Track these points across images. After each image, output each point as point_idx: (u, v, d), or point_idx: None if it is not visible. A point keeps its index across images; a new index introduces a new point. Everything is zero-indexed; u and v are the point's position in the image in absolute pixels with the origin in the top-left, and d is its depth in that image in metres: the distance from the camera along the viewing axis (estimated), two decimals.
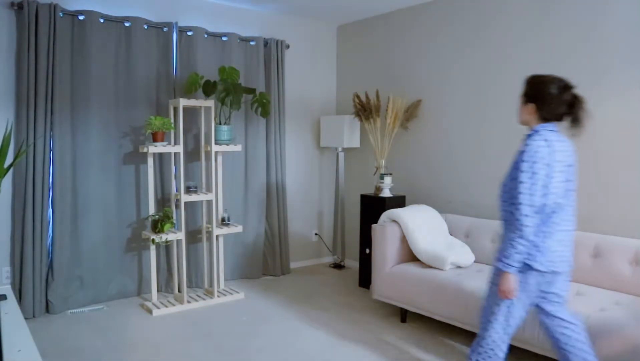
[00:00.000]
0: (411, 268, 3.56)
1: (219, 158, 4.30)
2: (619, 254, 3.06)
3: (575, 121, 2.28)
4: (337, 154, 5.16)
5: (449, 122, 4.32)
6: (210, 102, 4.02)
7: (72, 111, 3.87)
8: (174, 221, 4.08)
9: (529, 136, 2.29)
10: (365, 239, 4.55)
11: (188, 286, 4.45)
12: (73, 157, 3.89)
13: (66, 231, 3.84)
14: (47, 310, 3.79)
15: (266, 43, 4.80)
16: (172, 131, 4.12)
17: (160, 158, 4.28)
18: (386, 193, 4.44)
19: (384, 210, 4.30)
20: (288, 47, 5.00)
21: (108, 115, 4.02)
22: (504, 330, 2.36)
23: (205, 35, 4.42)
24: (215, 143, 4.11)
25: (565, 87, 2.28)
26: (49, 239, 3.81)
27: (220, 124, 4.22)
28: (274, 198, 4.86)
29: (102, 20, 3.94)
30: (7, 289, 2.21)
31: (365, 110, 4.70)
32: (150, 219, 3.99)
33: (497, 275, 2.32)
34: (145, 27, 4.14)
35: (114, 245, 4.10)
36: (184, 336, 3.41)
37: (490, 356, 2.39)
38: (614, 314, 2.62)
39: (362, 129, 5.10)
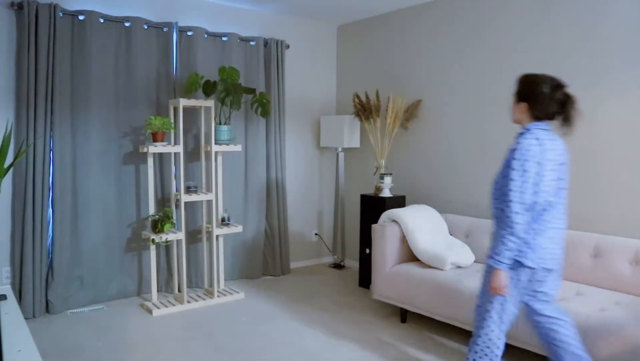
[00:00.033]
0: (411, 268, 3.56)
1: (219, 158, 4.30)
2: (619, 254, 3.06)
3: (566, 120, 2.31)
4: (337, 154, 5.16)
5: (449, 122, 4.32)
6: (210, 102, 4.02)
7: (72, 111, 3.87)
8: (174, 221, 4.08)
9: (520, 134, 2.31)
10: (365, 239, 4.55)
11: (188, 286, 4.45)
12: (73, 157, 3.89)
13: (66, 231, 3.84)
14: (47, 310, 3.79)
15: (266, 43, 4.80)
16: (172, 131, 4.12)
17: (160, 158, 4.28)
18: (386, 193, 4.44)
19: (384, 210, 4.30)
20: (288, 47, 5.00)
21: (108, 115, 4.02)
22: (499, 327, 2.39)
23: (205, 35, 4.42)
24: (215, 143, 4.11)
25: (557, 86, 2.30)
26: (49, 239, 3.81)
27: (220, 124, 4.22)
28: (274, 198, 4.86)
29: (102, 20, 3.94)
30: (7, 289, 2.21)
31: (365, 110, 4.70)
32: (150, 219, 3.99)
33: (489, 273, 2.34)
34: (145, 27, 4.14)
35: (114, 245, 4.10)
36: (184, 336, 3.41)
37: (487, 354, 2.41)
38: (614, 314, 2.62)
39: (362, 129, 5.10)
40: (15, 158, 2.58)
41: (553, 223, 2.30)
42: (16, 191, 3.69)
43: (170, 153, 4.14)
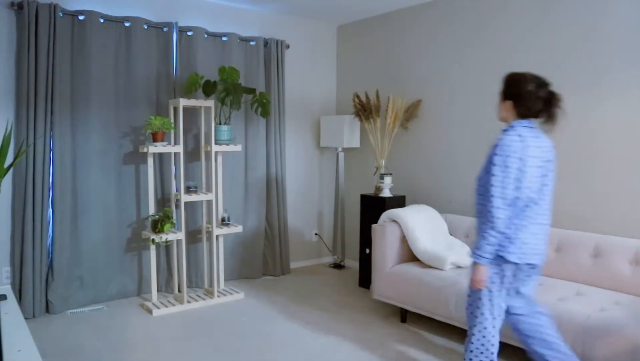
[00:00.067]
0: (411, 268, 3.56)
1: (219, 158, 4.30)
2: (619, 254, 3.06)
3: (550, 118, 2.35)
4: (337, 154, 5.16)
5: (449, 122, 4.32)
6: (210, 102, 4.02)
7: (72, 111, 3.87)
8: (174, 221, 4.08)
9: (504, 131, 2.34)
10: (365, 239, 4.55)
11: (188, 286, 4.45)
12: (73, 157, 3.89)
13: (66, 231, 3.84)
14: (47, 310, 3.79)
15: (266, 43, 4.80)
16: (172, 131, 4.12)
17: (160, 158, 4.28)
18: (386, 193, 4.44)
19: (384, 210, 4.30)
20: (288, 47, 5.00)
21: (108, 115, 4.02)
22: (492, 324, 2.41)
23: (205, 35, 4.42)
24: (215, 143, 4.11)
25: (542, 84, 2.33)
26: (49, 239, 3.81)
27: (220, 124, 4.22)
28: (274, 198, 4.86)
29: (102, 20, 3.94)
30: (7, 289, 2.21)
31: (365, 110, 4.70)
32: (150, 219, 3.99)
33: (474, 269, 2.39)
34: (145, 27, 4.14)
35: (114, 245, 4.10)
36: (184, 336, 3.41)
37: (483, 352, 2.43)
38: (614, 314, 2.62)
39: (362, 129, 5.10)
40: (15, 158, 2.58)
41: (536, 218, 2.33)
42: (16, 191, 3.69)
43: (170, 153, 4.14)
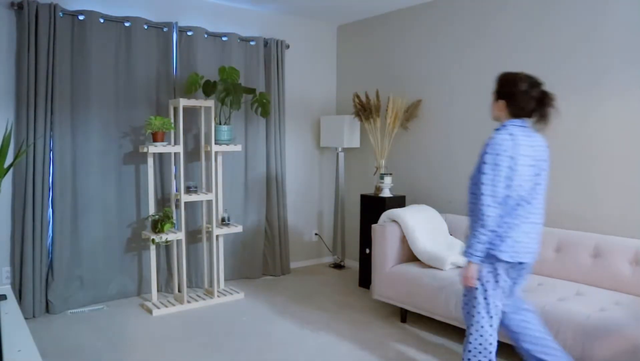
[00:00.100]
0: (411, 268, 3.56)
1: (219, 158, 4.30)
2: (619, 254, 3.06)
3: (542, 117, 2.36)
4: (337, 154, 5.16)
5: (449, 122, 4.32)
6: (210, 102, 4.02)
7: (72, 111, 3.87)
8: (174, 221, 4.08)
9: (496, 130, 2.36)
10: (365, 239, 4.55)
11: (188, 286, 4.45)
12: (73, 157, 3.89)
13: (66, 231, 3.84)
14: (47, 310, 3.79)
15: (266, 43, 4.80)
16: (172, 131, 4.12)
17: (160, 158, 4.28)
18: (386, 193, 4.44)
19: (384, 210, 4.30)
20: (288, 47, 5.00)
21: (108, 115, 4.02)
22: (488, 323, 2.42)
23: (205, 35, 4.42)
24: (215, 143, 4.11)
25: (534, 84, 2.35)
26: (49, 239, 3.81)
27: (220, 124, 4.22)
28: (274, 198, 4.86)
29: (102, 20, 3.94)
30: (7, 289, 2.21)
31: (365, 110, 4.70)
32: (150, 219, 3.99)
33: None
34: (145, 27, 4.14)
35: (114, 245, 4.10)
36: (184, 336, 3.41)
37: (481, 351, 2.44)
38: (614, 314, 2.62)
39: (362, 129, 5.10)
40: (15, 158, 2.58)
41: (529, 217, 2.35)
42: (16, 191, 3.69)
43: (170, 153, 4.14)
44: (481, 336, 2.43)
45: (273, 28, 4.94)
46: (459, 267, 3.52)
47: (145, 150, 3.79)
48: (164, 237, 3.87)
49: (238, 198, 4.70)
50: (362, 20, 5.15)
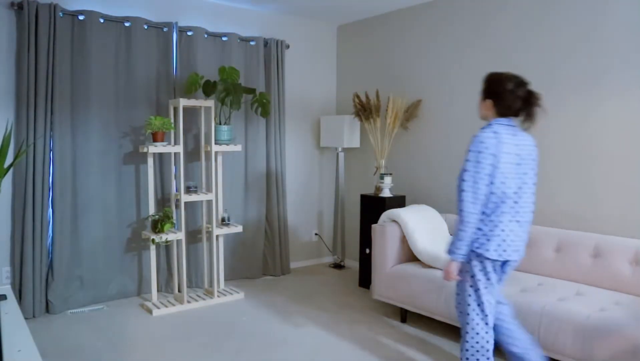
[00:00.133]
0: (411, 268, 3.56)
1: (219, 158, 4.30)
2: (619, 254, 3.06)
3: (528, 116, 2.39)
4: (337, 154, 5.16)
5: (449, 122, 4.32)
6: (210, 102, 4.02)
7: (72, 111, 3.87)
8: (174, 221, 4.08)
9: (481, 128, 2.39)
10: (365, 239, 4.55)
11: (188, 286, 4.45)
12: (73, 157, 3.89)
13: (66, 231, 3.84)
14: (47, 310, 3.79)
15: (266, 43, 4.80)
16: (172, 131, 4.12)
17: (160, 158, 4.28)
18: (386, 193, 4.44)
19: (384, 210, 4.30)
20: (288, 47, 5.00)
21: (108, 115, 4.02)
22: (483, 320, 2.44)
23: (205, 35, 4.42)
24: (215, 143, 4.11)
25: (520, 83, 2.38)
26: (49, 239, 3.81)
27: (220, 124, 4.22)
28: (274, 198, 4.86)
29: (102, 20, 3.94)
30: (7, 289, 2.21)
31: (365, 110, 4.70)
32: (150, 219, 3.99)
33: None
34: (145, 27, 4.14)
35: (114, 245, 4.10)
36: (184, 336, 3.41)
37: (478, 350, 2.45)
38: (614, 314, 2.62)
39: (362, 129, 5.10)
40: (15, 158, 2.58)
41: (515, 216, 2.37)
42: (16, 191, 3.69)
43: (170, 153, 4.14)
44: (477, 334, 2.44)
45: (273, 28, 4.94)
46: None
47: (145, 150, 3.79)
48: (164, 237, 3.87)
49: (238, 198, 4.70)
50: (362, 20, 5.15)
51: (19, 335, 1.69)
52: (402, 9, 4.72)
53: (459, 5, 4.22)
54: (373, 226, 3.80)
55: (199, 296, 4.17)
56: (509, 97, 2.36)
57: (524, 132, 2.43)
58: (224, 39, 4.54)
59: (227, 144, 4.16)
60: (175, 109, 4.13)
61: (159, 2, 4.29)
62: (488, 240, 2.34)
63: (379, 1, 4.51)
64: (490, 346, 2.45)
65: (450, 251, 2.37)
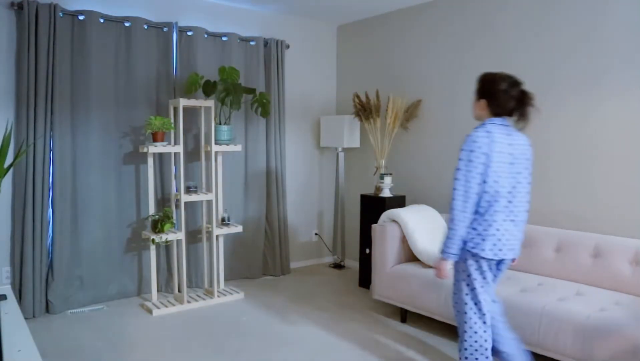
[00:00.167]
0: (411, 268, 3.56)
1: (219, 158, 4.30)
2: (619, 254, 3.06)
3: (522, 115, 2.41)
4: (337, 154, 5.16)
5: (449, 122, 4.32)
6: (210, 102, 4.02)
7: (72, 111, 3.87)
8: (174, 221, 4.08)
9: (475, 128, 2.41)
10: (365, 239, 4.55)
11: (188, 286, 4.45)
12: (73, 157, 3.89)
13: (66, 231, 3.84)
14: (47, 310, 3.79)
15: (266, 43, 4.80)
16: (172, 131, 4.12)
17: (160, 158, 4.28)
18: (386, 193, 4.44)
19: (384, 210, 4.30)
20: (288, 47, 5.00)
21: (108, 115, 4.02)
22: (480, 319, 2.45)
23: (205, 35, 4.42)
24: (215, 143, 4.11)
25: (514, 83, 2.41)
26: (49, 239, 3.81)
27: (220, 124, 4.22)
28: (274, 198, 4.86)
29: (102, 20, 3.94)
30: (7, 289, 2.21)
31: (365, 110, 4.70)
32: (150, 219, 3.99)
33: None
34: (145, 27, 4.14)
35: (114, 245, 4.10)
36: (184, 336, 3.41)
37: (477, 349, 2.46)
38: (614, 314, 2.62)
39: (362, 129, 5.10)
40: (15, 158, 2.58)
41: (509, 215, 2.38)
42: (16, 191, 3.69)
43: (170, 153, 4.14)
44: (475, 333, 2.45)
45: (273, 28, 4.94)
46: None
47: (145, 150, 3.79)
48: (164, 237, 3.87)
49: (238, 198, 4.70)
50: (362, 20, 5.15)
51: (19, 335, 1.69)
52: (402, 9, 4.71)
53: (458, 5, 4.22)
54: (373, 226, 3.80)
55: (199, 296, 4.17)
56: (502, 97, 2.38)
57: (518, 132, 2.45)
58: (224, 39, 4.54)
59: (227, 144, 4.15)
60: (175, 109, 4.13)
61: (159, 2, 4.29)
62: (483, 240, 2.35)
63: (379, 1, 4.51)
64: (489, 345, 2.46)
65: (442, 250, 2.39)
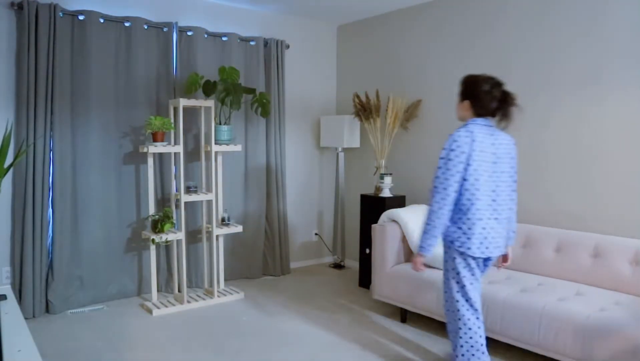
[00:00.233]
0: (411, 268, 3.56)
1: (219, 158, 4.30)
2: (619, 254, 3.06)
3: (504, 116, 2.47)
4: (337, 154, 5.16)
5: (449, 122, 4.32)
6: (210, 102, 4.02)
7: (72, 111, 3.87)
8: (174, 221, 4.08)
9: (457, 128, 2.47)
10: (365, 239, 4.55)
11: (188, 286, 4.45)
12: (73, 157, 3.89)
13: (66, 231, 3.84)
14: (47, 310, 3.79)
15: (266, 43, 4.80)
16: (172, 131, 4.12)
17: (160, 158, 4.28)
18: (386, 193, 4.44)
19: (384, 210, 4.30)
20: (288, 47, 5.00)
21: (108, 115, 4.02)
22: (473, 314, 2.49)
23: (205, 35, 4.42)
24: (215, 143, 4.11)
25: (496, 84, 2.47)
26: (49, 239, 3.81)
27: (220, 124, 4.22)
28: (274, 198, 4.86)
29: (102, 20, 3.94)
30: (7, 289, 2.21)
31: (365, 110, 4.70)
32: (150, 219, 3.99)
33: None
34: (145, 27, 4.14)
35: (114, 245, 4.10)
36: (184, 336, 3.41)
37: (473, 345, 2.49)
38: (614, 314, 2.62)
39: (362, 129, 5.10)
40: (15, 158, 2.58)
41: (492, 213, 2.43)
42: (16, 191, 3.69)
43: (170, 153, 4.14)
44: (470, 329, 2.49)
45: (273, 28, 4.94)
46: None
47: (145, 150, 3.79)
48: (164, 237, 3.87)
49: (238, 198, 4.70)
50: (362, 20, 5.15)
51: (19, 335, 1.69)
52: (402, 9, 4.71)
53: (458, 5, 4.22)
54: (373, 226, 3.80)
55: (199, 296, 4.17)
56: (485, 98, 2.44)
57: (502, 132, 2.50)
58: (224, 39, 4.54)
59: (227, 144, 4.16)
60: (175, 109, 4.13)
61: (159, 2, 4.29)
62: (469, 238, 2.40)
63: (379, 1, 4.51)
64: (484, 341, 2.51)
65: (419, 246, 2.46)
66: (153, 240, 3.87)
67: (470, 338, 2.48)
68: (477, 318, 2.49)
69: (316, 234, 5.43)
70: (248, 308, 3.99)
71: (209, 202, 4.30)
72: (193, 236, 4.47)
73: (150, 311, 3.83)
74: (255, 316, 3.80)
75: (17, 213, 3.69)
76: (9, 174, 3.70)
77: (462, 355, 2.50)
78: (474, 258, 2.45)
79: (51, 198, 3.79)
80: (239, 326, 3.59)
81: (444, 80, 4.35)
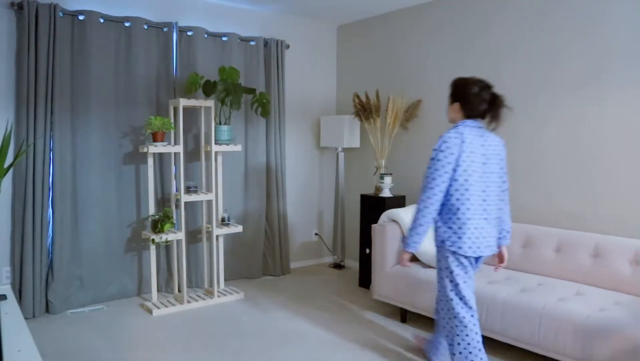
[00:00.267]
0: (411, 268, 3.56)
1: (219, 158, 4.30)
2: (619, 254, 3.06)
3: (494, 117, 2.52)
4: (337, 154, 5.16)
5: (448, 122, 4.31)
6: (210, 102, 4.02)
7: (72, 111, 3.87)
8: (174, 221, 4.08)
9: (448, 130, 2.53)
10: (365, 239, 4.55)
11: (188, 286, 4.45)
12: (73, 157, 3.89)
13: (66, 231, 3.84)
14: (47, 310, 3.79)
15: (266, 43, 4.80)
16: (172, 131, 4.12)
17: (160, 158, 4.28)
18: (386, 193, 4.44)
19: (384, 210, 4.30)
20: (288, 47, 5.00)
21: (108, 115, 4.02)
22: (468, 312, 2.51)
23: (205, 35, 4.42)
24: (215, 143, 4.11)
25: (485, 87, 2.53)
26: (49, 239, 3.81)
27: (220, 124, 4.22)
28: (274, 198, 4.86)
29: (102, 20, 3.94)
30: (7, 289, 2.21)
31: (365, 110, 4.70)
32: (150, 219, 3.99)
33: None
34: (145, 27, 4.14)
35: (114, 245, 4.10)
36: (184, 336, 3.41)
37: (469, 343, 2.50)
38: (614, 314, 2.62)
39: (362, 129, 5.10)
40: (15, 158, 2.58)
41: (482, 213, 2.47)
42: (16, 191, 3.69)
43: (170, 153, 4.14)
44: (465, 327, 2.51)
45: (273, 28, 4.94)
46: None
47: (145, 150, 3.79)
48: (164, 237, 3.87)
49: (238, 198, 4.70)
50: (362, 20, 5.15)
51: (19, 335, 1.69)
52: (402, 9, 4.72)
53: (459, 5, 4.22)
54: (373, 226, 3.80)
55: (199, 296, 4.17)
56: (474, 100, 2.49)
57: (491, 133, 2.54)
58: (224, 39, 4.54)
59: (227, 144, 4.16)
60: (175, 109, 4.13)
61: (159, 2, 4.29)
62: (460, 238, 2.44)
63: (379, 1, 4.51)
64: (480, 338, 2.52)
65: (405, 244, 2.53)
66: (153, 240, 3.87)
67: (467, 335, 2.49)
68: (472, 315, 2.52)
69: (316, 234, 5.43)
70: (248, 308, 3.99)
71: (209, 202, 4.30)
72: (193, 236, 4.47)
73: (150, 311, 3.83)
74: (255, 316, 3.80)
75: (17, 213, 3.69)
76: (9, 174, 3.70)
77: (460, 353, 2.51)
78: (466, 257, 2.48)
79: (51, 198, 3.79)
80: (239, 326, 3.59)
81: (444, 80, 4.35)
